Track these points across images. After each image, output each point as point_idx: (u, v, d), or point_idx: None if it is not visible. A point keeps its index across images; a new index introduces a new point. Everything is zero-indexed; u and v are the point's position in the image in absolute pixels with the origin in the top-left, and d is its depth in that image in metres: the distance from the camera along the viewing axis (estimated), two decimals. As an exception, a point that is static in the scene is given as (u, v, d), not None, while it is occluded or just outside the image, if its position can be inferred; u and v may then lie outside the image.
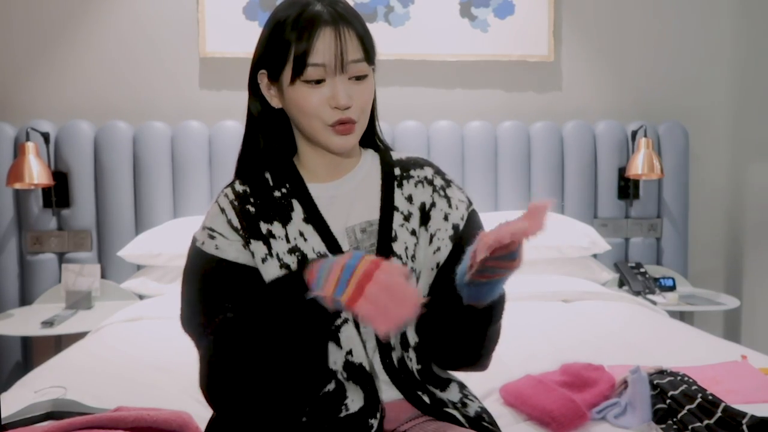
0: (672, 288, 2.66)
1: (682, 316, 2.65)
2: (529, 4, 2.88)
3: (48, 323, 2.22)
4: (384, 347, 0.98)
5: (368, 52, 0.96)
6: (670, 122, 2.93)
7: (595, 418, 1.27)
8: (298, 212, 0.99)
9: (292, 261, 0.95)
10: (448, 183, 1.06)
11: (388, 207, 1.01)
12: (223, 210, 0.98)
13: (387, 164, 1.06)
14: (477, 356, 0.98)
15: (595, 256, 2.77)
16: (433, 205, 1.03)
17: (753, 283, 2.99)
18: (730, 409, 1.20)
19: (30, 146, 2.42)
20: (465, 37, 2.87)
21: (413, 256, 1.00)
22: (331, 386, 0.95)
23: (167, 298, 2.38)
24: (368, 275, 0.75)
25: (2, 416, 1.24)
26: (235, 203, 0.98)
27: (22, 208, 2.61)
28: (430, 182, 1.05)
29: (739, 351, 1.71)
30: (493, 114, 2.92)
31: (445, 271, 0.98)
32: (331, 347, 0.95)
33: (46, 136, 2.54)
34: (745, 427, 1.16)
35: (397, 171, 1.06)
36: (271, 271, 0.94)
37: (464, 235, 1.01)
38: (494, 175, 2.85)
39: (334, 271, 0.78)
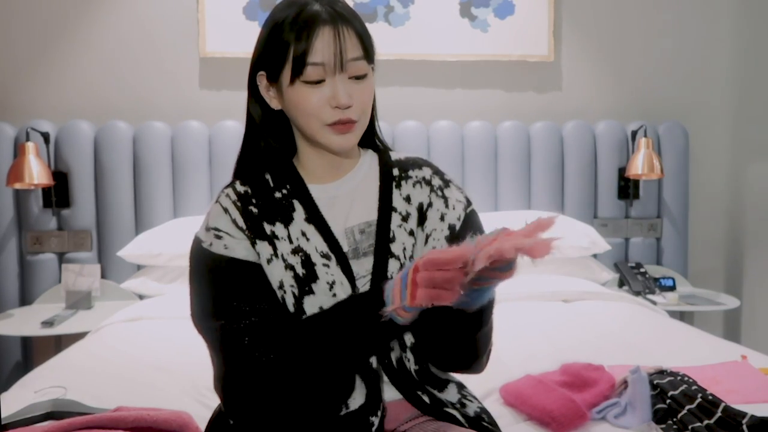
0: (672, 288, 2.66)
1: (682, 316, 2.65)
2: (529, 4, 2.88)
3: (48, 323, 2.22)
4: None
5: (367, 51, 0.95)
6: (670, 122, 2.93)
7: (595, 418, 1.27)
8: (299, 212, 0.99)
9: (296, 262, 0.95)
10: (447, 183, 1.06)
11: (386, 208, 1.01)
12: (226, 210, 0.97)
13: (386, 164, 1.06)
14: (470, 359, 0.97)
15: (595, 256, 2.77)
16: (430, 205, 1.03)
17: (753, 283, 2.99)
18: (730, 409, 1.20)
19: (30, 146, 2.42)
20: (465, 37, 2.87)
21: (411, 257, 1.00)
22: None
23: (167, 298, 2.38)
24: (415, 269, 0.77)
25: (2, 416, 1.24)
26: (238, 204, 0.98)
27: (22, 208, 2.61)
28: (428, 182, 1.05)
29: (739, 351, 1.71)
30: (493, 114, 2.92)
31: None
32: None
33: (46, 136, 2.54)
34: (745, 427, 1.16)
35: (395, 171, 1.05)
36: (276, 272, 0.94)
37: (461, 236, 1.00)
38: (494, 175, 2.85)
39: (396, 284, 0.80)
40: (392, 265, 0.98)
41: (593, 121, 2.94)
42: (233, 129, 2.68)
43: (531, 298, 2.28)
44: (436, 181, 1.05)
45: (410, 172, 1.05)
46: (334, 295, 0.95)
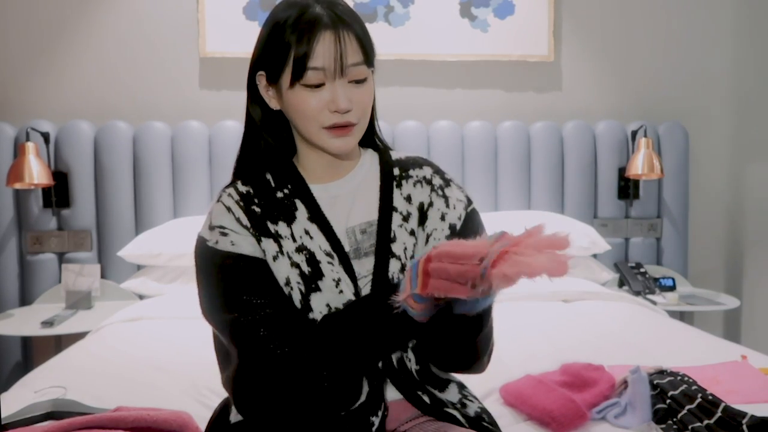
0: (672, 288, 2.66)
1: (682, 316, 2.65)
2: (529, 4, 2.88)
3: (48, 323, 2.22)
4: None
5: (368, 55, 0.95)
6: (670, 122, 2.93)
7: (595, 418, 1.27)
8: (302, 212, 0.99)
9: (301, 260, 0.95)
10: (447, 182, 1.06)
11: (386, 207, 1.01)
12: (229, 209, 0.97)
13: (386, 164, 1.06)
14: (470, 360, 0.97)
15: (595, 256, 2.77)
16: (430, 204, 1.02)
17: (753, 283, 2.99)
18: (730, 409, 1.20)
19: (30, 146, 2.42)
20: (465, 37, 2.87)
21: (412, 257, 1.00)
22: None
23: (167, 298, 2.38)
24: (428, 259, 0.75)
25: (2, 416, 1.24)
26: (241, 203, 0.97)
27: (22, 208, 2.61)
28: (429, 182, 1.05)
29: (739, 351, 1.71)
30: (493, 114, 2.92)
31: None
32: None
33: (46, 136, 2.54)
34: (745, 427, 1.16)
35: (396, 171, 1.05)
36: (282, 269, 0.94)
37: (462, 235, 1.00)
38: (494, 175, 2.85)
39: (407, 273, 0.79)
40: (393, 266, 0.98)
41: (593, 121, 2.94)
42: (233, 129, 2.68)
43: (531, 298, 2.28)
44: (437, 181, 1.05)
45: (411, 172, 1.05)
46: (341, 292, 0.95)
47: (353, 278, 0.97)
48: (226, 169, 2.55)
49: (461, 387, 1.06)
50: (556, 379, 1.38)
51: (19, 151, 2.46)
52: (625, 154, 2.89)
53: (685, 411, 1.22)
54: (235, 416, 1.01)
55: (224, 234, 0.95)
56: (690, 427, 1.19)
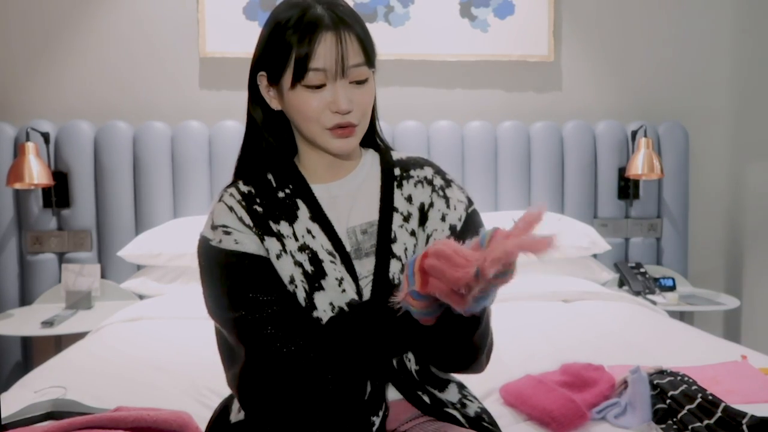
0: (672, 288, 2.65)
1: (682, 316, 2.65)
2: (529, 4, 2.88)
3: (48, 323, 2.22)
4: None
5: (369, 56, 0.95)
6: (670, 122, 2.93)
7: (595, 418, 1.27)
8: (303, 211, 0.99)
9: (303, 259, 0.95)
10: (448, 183, 1.06)
11: (387, 208, 1.01)
12: (231, 208, 0.97)
13: (387, 164, 1.06)
14: (468, 360, 0.97)
15: (595, 256, 2.77)
16: (431, 205, 1.03)
17: (753, 283, 2.99)
18: (730, 409, 1.20)
19: (30, 146, 2.42)
20: (465, 37, 2.87)
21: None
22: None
23: (167, 298, 2.38)
24: (424, 256, 0.74)
25: (2, 416, 1.24)
26: (243, 203, 0.98)
27: (22, 208, 2.61)
28: (430, 182, 1.05)
29: (739, 351, 1.71)
30: (493, 114, 2.92)
31: None
32: None
33: (46, 136, 2.54)
34: (745, 427, 1.16)
35: (397, 171, 1.05)
36: (286, 267, 0.94)
37: (462, 236, 1.00)
38: (494, 175, 2.85)
39: (404, 275, 0.78)
40: (394, 266, 0.98)
41: (593, 121, 2.94)
42: (233, 129, 2.68)
43: (531, 298, 2.28)
44: (438, 181, 1.05)
45: (412, 172, 1.05)
46: (344, 291, 0.95)
47: (355, 278, 0.97)
48: (226, 169, 2.56)
49: (461, 387, 1.06)
50: (556, 379, 1.38)
51: (19, 151, 2.46)
52: (625, 154, 2.89)
53: (685, 411, 1.22)
54: (235, 416, 1.01)
55: (227, 233, 0.95)
56: (690, 427, 1.19)
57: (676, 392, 1.27)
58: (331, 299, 0.94)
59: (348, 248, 0.98)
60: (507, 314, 2.01)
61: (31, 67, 2.71)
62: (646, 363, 1.44)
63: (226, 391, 1.09)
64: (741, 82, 3.03)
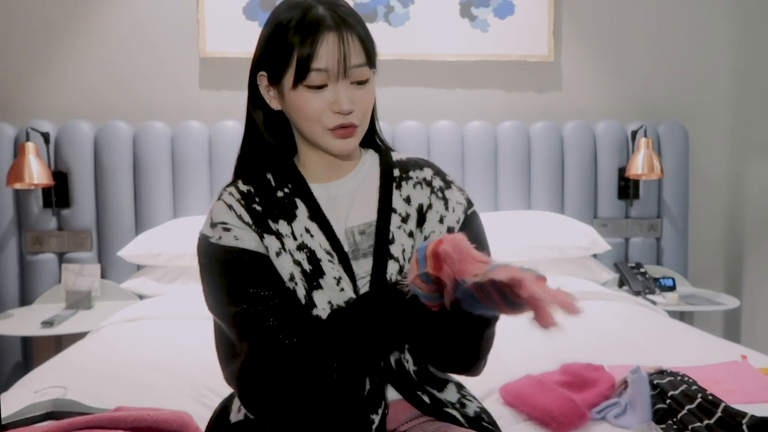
0: (672, 288, 2.65)
1: (682, 316, 2.65)
2: (529, 4, 2.88)
3: (48, 323, 2.22)
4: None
5: (370, 56, 0.95)
6: (670, 122, 2.93)
7: (595, 418, 1.27)
8: (302, 210, 0.99)
9: (302, 258, 0.95)
10: (448, 184, 1.05)
11: (385, 209, 1.01)
12: (230, 206, 0.97)
13: (387, 165, 1.06)
14: (470, 361, 0.97)
15: (595, 256, 2.77)
16: (429, 207, 1.02)
17: (753, 283, 2.99)
18: (730, 409, 1.20)
19: (30, 146, 2.42)
20: (465, 37, 2.87)
21: (410, 258, 0.99)
22: None
23: (167, 298, 2.38)
24: (439, 242, 0.76)
25: (2, 416, 1.24)
26: (242, 202, 0.98)
27: (22, 208, 2.61)
28: (429, 183, 1.04)
29: (739, 351, 1.71)
30: (493, 114, 2.92)
31: None
32: None
33: (46, 136, 2.54)
34: (745, 427, 1.16)
35: (396, 172, 1.05)
36: (286, 265, 0.94)
37: None
38: (494, 175, 2.85)
39: (413, 259, 0.80)
40: (391, 267, 0.98)
41: (593, 121, 2.94)
42: (233, 129, 2.68)
43: (531, 298, 2.27)
44: (437, 182, 1.05)
45: (411, 173, 1.05)
46: (342, 290, 0.95)
47: (353, 278, 0.97)
48: (226, 169, 2.55)
49: (459, 387, 1.06)
50: (556, 379, 1.38)
51: (19, 151, 2.46)
52: (625, 154, 2.89)
53: (685, 411, 1.22)
54: (235, 416, 1.01)
55: (227, 230, 0.95)
56: (690, 427, 1.19)
57: (676, 392, 1.27)
58: (329, 298, 0.94)
59: (346, 248, 0.98)
60: (507, 314, 2.01)
61: (32, 67, 2.71)
62: (646, 363, 1.44)
63: (226, 391, 1.09)
64: (741, 82, 3.03)
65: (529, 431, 1.26)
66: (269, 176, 1.02)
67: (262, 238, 0.95)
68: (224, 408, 1.06)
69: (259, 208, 0.97)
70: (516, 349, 1.72)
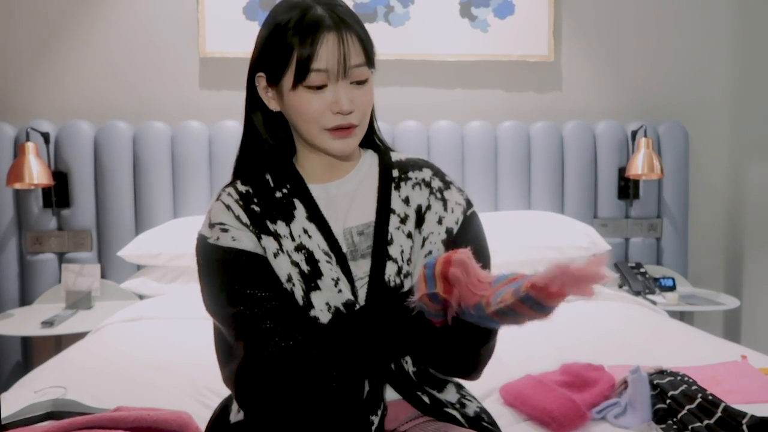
0: (672, 288, 2.65)
1: (682, 316, 2.65)
2: (529, 4, 2.88)
3: (48, 323, 2.22)
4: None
5: (369, 56, 0.96)
6: (670, 122, 2.93)
7: (595, 418, 1.27)
8: (300, 211, 0.99)
9: (300, 259, 0.95)
10: (447, 185, 1.05)
11: (384, 209, 1.01)
12: (229, 207, 0.97)
13: (386, 165, 1.06)
14: (470, 368, 0.97)
15: (595, 256, 2.76)
16: (428, 207, 1.02)
17: (753, 283, 2.98)
18: (730, 409, 1.21)
19: (30, 146, 2.42)
20: (465, 37, 2.87)
21: (409, 260, 0.99)
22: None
23: (167, 298, 2.38)
24: (447, 262, 0.75)
25: (2, 416, 1.24)
26: (240, 202, 0.98)
27: (22, 208, 2.61)
28: (428, 184, 1.04)
29: (739, 351, 1.71)
30: (493, 114, 2.92)
31: None
32: None
33: (46, 136, 2.54)
34: (745, 427, 1.16)
35: (395, 172, 1.05)
36: (284, 266, 0.94)
37: (458, 240, 1.00)
38: (494, 175, 2.85)
39: (420, 275, 0.79)
40: (389, 268, 0.97)
41: (593, 121, 2.94)
42: (233, 129, 2.68)
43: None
44: (436, 183, 1.05)
45: (410, 174, 1.05)
46: (340, 291, 0.95)
47: (350, 279, 0.97)
48: (226, 169, 2.54)
49: (459, 387, 1.06)
50: (556, 379, 1.38)
51: (19, 151, 2.46)
52: (625, 154, 2.89)
53: (685, 411, 1.22)
54: (235, 416, 1.01)
55: (225, 230, 0.95)
56: (690, 427, 1.19)
57: (676, 392, 1.27)
58: (327, 299, 0.94)
59: (344, 249, 0.98)
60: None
61: (32, 67, 2.71)
62: (646, 363, 1.44)
63: (226, 391, 1.09)
64: (741, 82, 3.03)
65: (529, 431, 1.26)
66: (268, 177, 1.02)
67: (259, 238, 0.95)
68: (224, 408, 1.06)
69: (257, 208, 0.97)
70: (516, 349, 1.72)
